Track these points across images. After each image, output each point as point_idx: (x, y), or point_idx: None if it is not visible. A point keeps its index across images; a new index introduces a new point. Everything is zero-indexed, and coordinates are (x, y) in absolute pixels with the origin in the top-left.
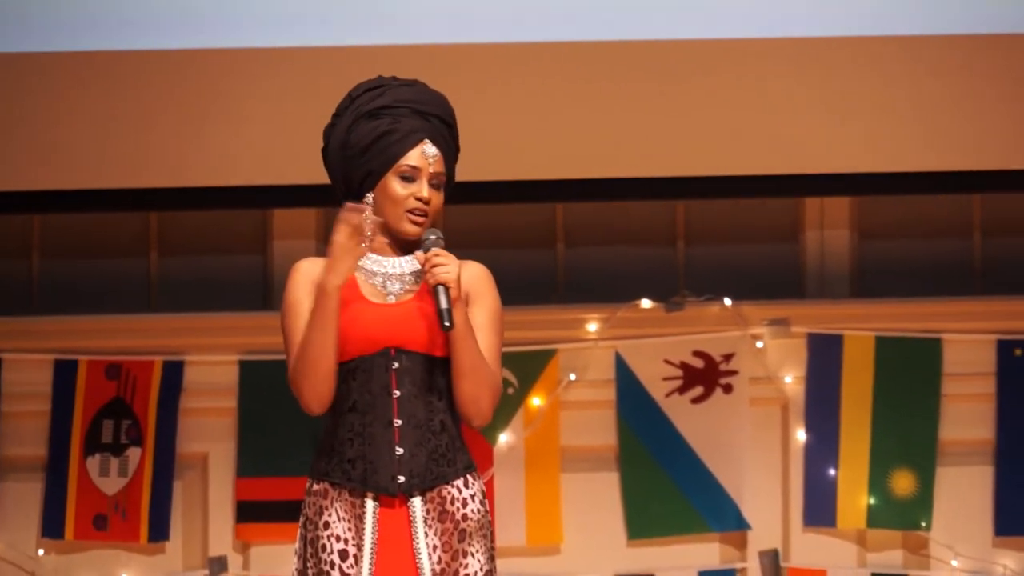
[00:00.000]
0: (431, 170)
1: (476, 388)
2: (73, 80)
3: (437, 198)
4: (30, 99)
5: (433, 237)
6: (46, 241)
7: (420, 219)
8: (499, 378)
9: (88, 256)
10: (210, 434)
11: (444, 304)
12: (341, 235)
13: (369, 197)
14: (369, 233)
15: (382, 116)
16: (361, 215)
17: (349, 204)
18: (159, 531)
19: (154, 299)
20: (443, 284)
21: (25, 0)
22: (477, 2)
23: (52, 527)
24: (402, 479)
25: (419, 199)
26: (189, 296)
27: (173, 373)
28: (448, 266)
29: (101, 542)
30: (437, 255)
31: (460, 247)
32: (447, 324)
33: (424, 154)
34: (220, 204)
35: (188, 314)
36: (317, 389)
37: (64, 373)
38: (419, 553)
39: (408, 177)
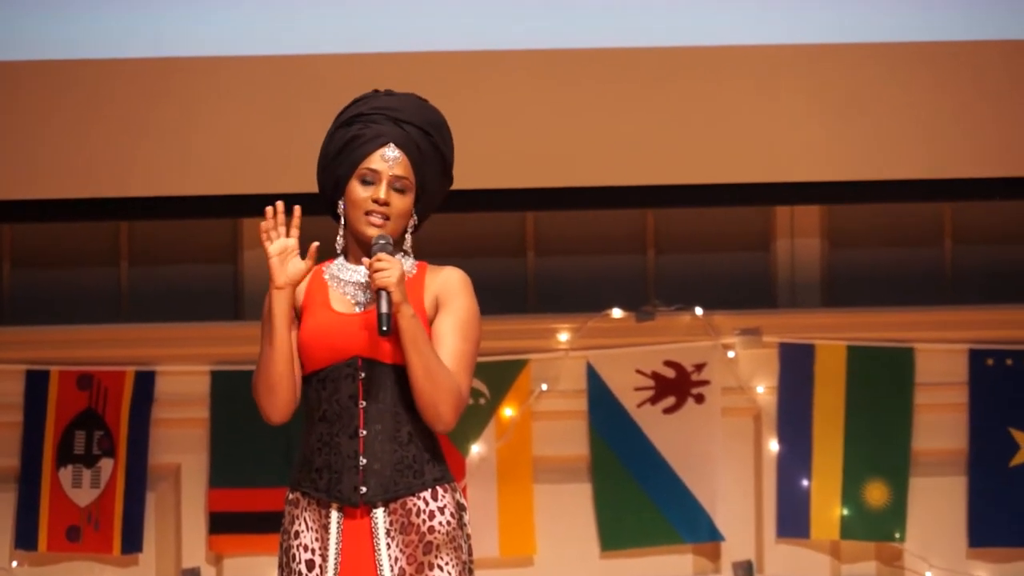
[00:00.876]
0: (391, 173)
1: (432, 393)
2: (44, 90)
3: (399, 201)
4: (6, 107)
5: (382, 242)
6: (17, 251)
7: (378, 221)
8: (460, 383)
9: (59, 266)
10: (182, 445)
11: (383, 309)
12: (264, 245)
13: (340, 204)
14: (291, 237)
15: (354, 123)
16: (271, 219)
17: (267, 208)
18: (132, 543)
19: (125, 309)
20: (383, 288)
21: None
22: (444, 10)
23: (25, 539)
24: (364, 490)
25: (375, 200)
26: (160, 306)
27: (145, 383)
28: (388, 270)
29: (74, 554)
30: (379, 259)
31: (431, 255)
32: (383, 328)
33: (384, 157)
34: (190, 213)
35: (159, 324)
36: (271, 398)
37: (36, 383)
38: (380, 564)
39: (368, 180)
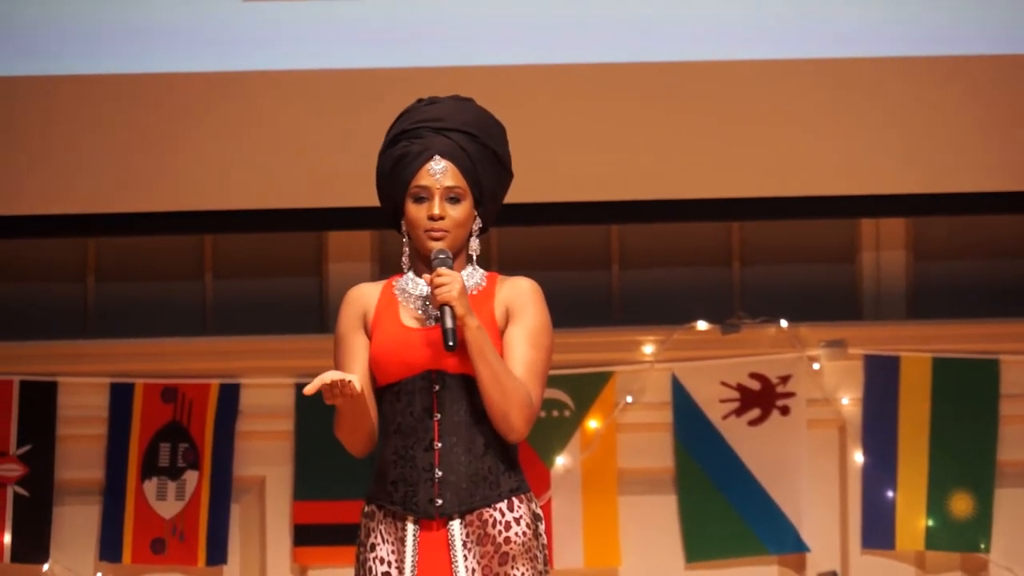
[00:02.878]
0: (442, 185)
1: (503, 403)
2: (138, 103)
3: (455, 211)
4: (78, 121)
5: (442, 256)
6: (102, 264)
7: (438, 235)
8: (532, 392)
9: (144, 279)
10: (267, 457)
11: (447, 323)
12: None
13: (403, 224)
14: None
15: (399, 142)
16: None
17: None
18: (217, 555)
19: (210, 322)
20: (445, 303)
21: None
22: (534, 23)
23: (110, 551)
24: (440, 502)
25: (431, 217)
26: (244, 319)
27: (229, 396)
28: (448, 284)
29: (159, 565)
30: (439, 275)
31: (515, 268)
32: (450, 344)
33: (430, 171)
34: (276, 227)
35: (244, 337)
36: (354, 446)
37: (120, 396)
38: None
39: (421, 197)
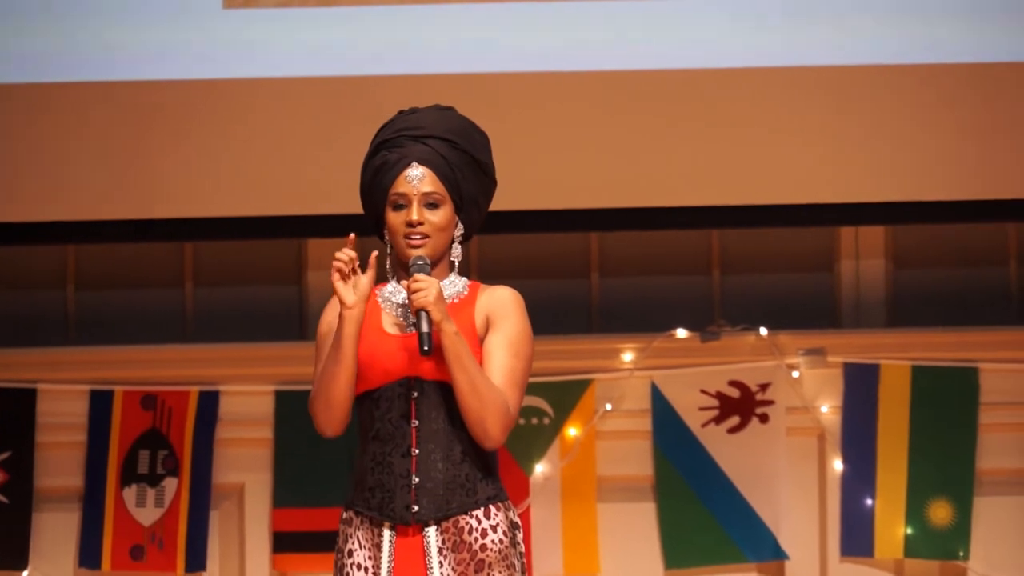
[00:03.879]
0: (420, 191)
1: (479, 410)
2: (114, 111)
3: (435, 216)
4: (57, 129)
5: (420, 263)
6: (81, 272)
7: (417, 242)
8: (509, 400)
9: (123, 286)
10: (246, 464)
11: (423, 328)
12: (332, 277)
13: (385, 234)
14: (366, 266)
15: (380, 151)
16: (347, 258)
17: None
18: (196, 561)
19: (189, 329)
20: (421, 308)
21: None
22: (517, 32)
23: (89, 558)
24: (416, 508)
25: (409, 223)
26: (224, 326)
27: (209, 403)
28: (424, 290)
29: (138, 572)
30: (415, 281)
31: (495, 276)
32: (424, 348)
33: (407, 178)
34: (255, 234)
35: (223, 344)
36: (332, 413)
37: (100, 404)
38: None
39: (399, 204)
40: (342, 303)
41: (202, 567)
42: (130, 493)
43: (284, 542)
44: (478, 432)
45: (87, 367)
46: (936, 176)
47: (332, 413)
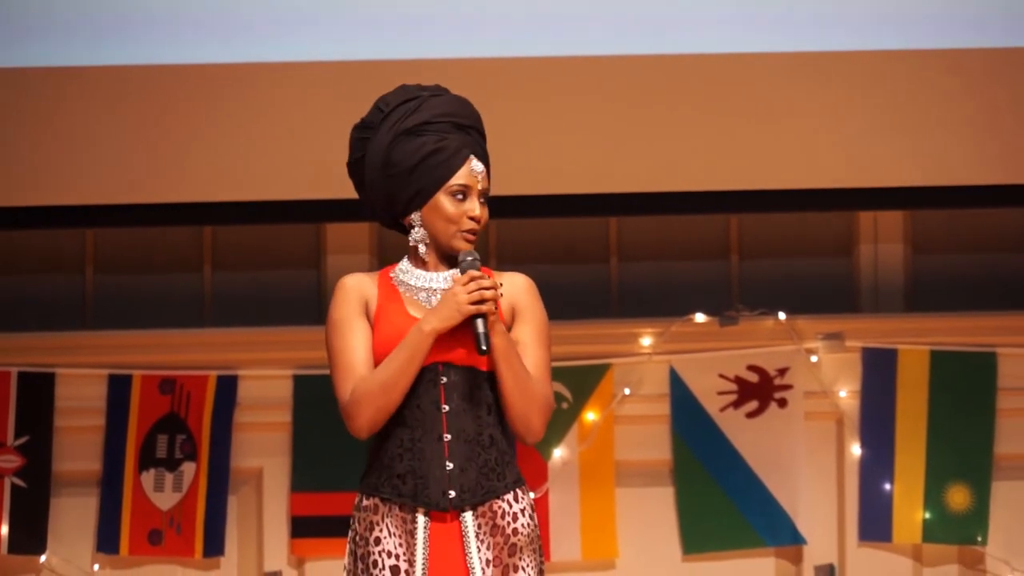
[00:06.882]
0: (480, 187)
1: (525, 406)
2: (132, 95)
3: (485, 213)
4: (77, 113)
5: (470, 259)
6: (100, 256)
7: (472, 236)
8: (549, 393)
9: (142, 271)
10: (264, 449)
11: (480, 328)
12: (465, 298)
13: (416, 216)
14: (492, 308)
15: (425, 133)
16: (494, 290)
17: (476, 275)
18: (214, 546)
19: (208, 313)
20: (486, 310)
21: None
22: (535, 15)
23: (107, 542)
24: (453, 494)
25: (472, 218)
26: (243, 310)
27: (227, 388)
28: (491, 290)
29: (156, 557)
30: (478, 281)
31: (514, 261)
32: (484, 348)
33: (472, 172)
34: (274, 218)
35: (242, 328)
36: (378, 417)
37: (118, 388)
38: (472, 568)
39: (460, 195)
40: (434, 318)
41: (220, 552)
42: (148, 477)
43: (302, 527)
44: (521, 427)
45: (105, 351)
46: (955, 161)
47: (380, 418)
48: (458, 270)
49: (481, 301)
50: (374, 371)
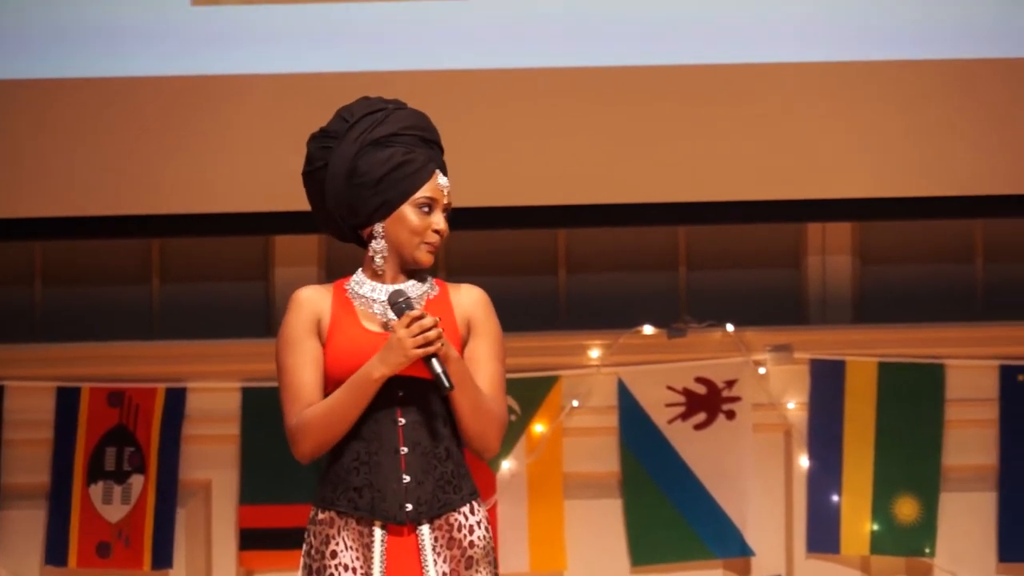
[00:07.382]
0: (444, 200)
1: (481, 427)
2: (76, 107)
3: (447, 227)
4: (25, 125)
5: (401, 300)
6: (48, 268)
7: (433, 249)
8: (504, 409)
9: (90, 283)
10: (213, 461)
11: (438, 368)
12: (410, 343)
13: (379, 227)
14: (441, 344)
15: (392, 145)
16: (436, 327)
17: (415, 316)
18: (162, 558)
19: (156, 326)
20: (437, 353)
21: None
22: (484, 28)
23: (55, 554)
24: (410, 507)
25: (436, 231)
26: (191, 323)
27: (175, 400)
28: (435, 330)
29: (105, 569)
30: (420, 323)
31: (462, 273)
32: (448, 386)
33: (439, 185)
34: (222, 231)
35: (190, 341)
36: (319, 449)
37: (66, 400)
38: None
39: (426, 207)
40: (383, 366)
41: (169, 564)
42: (97, 490)
43: (251, 539)
44: (477, 446)
45: (54, 364)
46: (902, 172)
47: (321, 450)
48: (391, 316)
49: (427, 343)
50: (319, 404)
